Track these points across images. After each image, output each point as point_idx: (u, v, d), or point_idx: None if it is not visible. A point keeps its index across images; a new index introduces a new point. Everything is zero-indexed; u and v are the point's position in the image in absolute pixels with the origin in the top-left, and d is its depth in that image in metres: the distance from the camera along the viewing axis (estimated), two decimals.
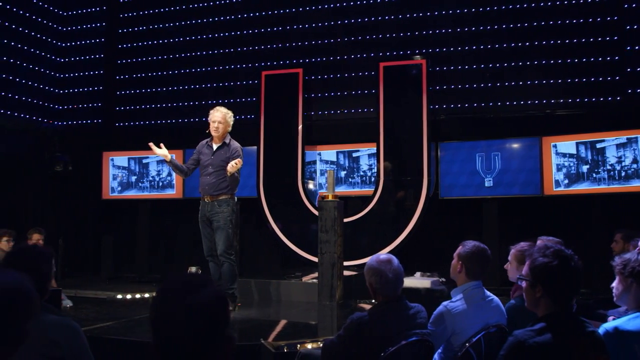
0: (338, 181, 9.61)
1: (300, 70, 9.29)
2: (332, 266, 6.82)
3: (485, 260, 3.83)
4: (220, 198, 6.17)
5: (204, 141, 6.44)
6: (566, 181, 8.24)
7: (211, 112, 6.38)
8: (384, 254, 3.51)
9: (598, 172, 8.07)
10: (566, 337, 2.62)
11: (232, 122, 6.41)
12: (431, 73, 8.75)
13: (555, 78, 8.57)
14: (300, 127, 9.13)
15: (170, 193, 10.08)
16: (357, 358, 3.30)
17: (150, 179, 10.17)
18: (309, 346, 4.58)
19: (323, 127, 9.63)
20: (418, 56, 8.84)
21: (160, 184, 10.13)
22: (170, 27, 10.61)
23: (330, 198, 7.01)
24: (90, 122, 10.99)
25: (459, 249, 3.87)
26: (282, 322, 5.78)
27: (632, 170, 7.85)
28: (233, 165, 5.88)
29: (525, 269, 2.84)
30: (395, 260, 3.45)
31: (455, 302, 3.68)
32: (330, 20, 9.66)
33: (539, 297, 2.75)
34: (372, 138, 8.94)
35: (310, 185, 9.39)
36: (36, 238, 7.56)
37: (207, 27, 10.37)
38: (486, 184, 8.64)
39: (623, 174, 7.92)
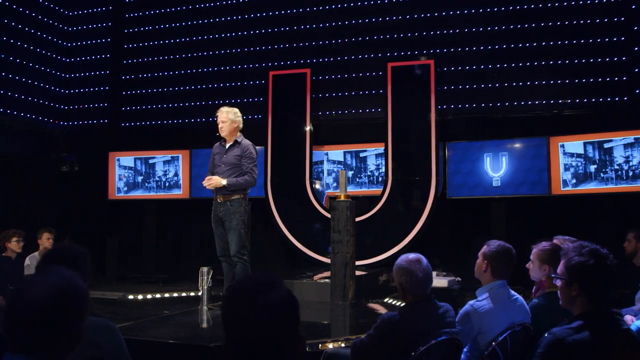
0: None
1: (308, 71, 9.27)
2: (345, 266, 6.84)
3: (510, 260, 3.86)
4: (233, 198, 6.18)
5: (216, 144, 6.47)
6: (574, 181, 8.28)
7: (216, 113, 6.43)
8: (412, 253, 3.53)
9: (606, 172, 8.11)
10: (603, 334, 2.65)
11: (239, 119, 6.43)
12: (439, 73, 8.76)
13: (563, 78, 8.62)
14: (308, 127, 9.13)
15: (176, 193, 10.08)
16: (387, 357, 3.32)
17: (157, 179, 10.17)
18: (330, 346, 4.60)
19: (330, 127, 9.65)
20: (425, 56, 8.86)
21: (167, 184, 10.13)
22: (177, 27, 10.61)
23: (342, 198, 7.03)
24: (96, 122, 10.98)
25: (484, 249, 3.89)
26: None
27: None
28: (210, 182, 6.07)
29: (560, 268, 2.87)
30: (424, 259, 3.47)
31: (481, 301, 3.71)
32: (338, 20, 9.68)
33: (574, 296, 2.79)
34: (380, 138, 8.95)
35: (317, 185, 9.40)
36: (46, 237, 7.57)
37: (214, 27, 10.38)
38: (494, 184, 8.67)
39: (630, 173, 7.97)
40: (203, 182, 6.18)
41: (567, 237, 5.09)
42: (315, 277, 7.56)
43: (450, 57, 9.09)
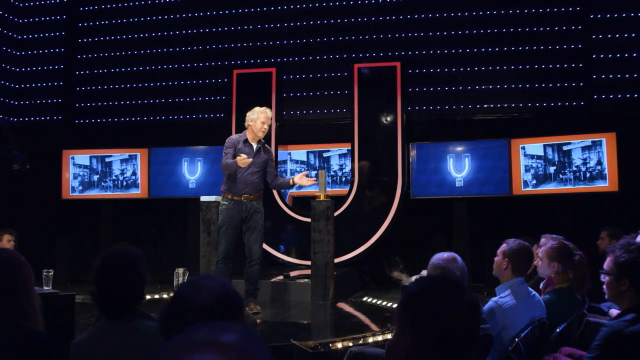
0: None
1: (273, 70, 9.23)
2: (326, 265, 6.87)
3: (530, 257, 4.02)
4: (259, 199, 6.30)
5: (237, 138, 6.31)
6: (534, 181, 8.62)
7: (259, 112, 6.25)
8: (446, 252, 3.60)
9: (564, 173, 8.49)
10: None
11: None
12: (405, 75, 8.89)
13: (524, 83, 8.96)
14: (273, 126, 9.06)
15: (134, 193, 9.81)
16: None
17: (114, 178, 9.86)
18: (340, 345, 4.63)
19: (294, 127, 9.63)
20: (392, 58, 9.03)
21: (124, 183, 9.83)
22: (135, 22, 10.30)
23: (322, 198, 7.06)
24: (49, 119, 10.52)
25: (504, 247, 4.01)
26: (292, 323, 5.79)
27: (597, 171, 8.30)
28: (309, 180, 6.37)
29: (608, 265, 3.01)
30: (459, 258, 3.55)
31: (505, 297, 3.83)
32: (304, 20, 9.68)
33: (624, 290, 2.93)
34: (344, 138, 9.04)
35: None
36: (7, 239, 7.26)
37: (174, 23, 10.12)
38: (457, 184, 8.91)
39: (588, 175, 8.37)
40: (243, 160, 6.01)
41: (554, 236, 5.32)
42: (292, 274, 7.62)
43: (416, 59, 9.26)
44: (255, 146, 6.26)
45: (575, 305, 4.23)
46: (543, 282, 4.52)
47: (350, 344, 4.61)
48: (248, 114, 6.31)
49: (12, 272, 2.72)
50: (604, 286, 3.06)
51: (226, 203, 6.21)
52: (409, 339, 1.62)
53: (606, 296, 3.10)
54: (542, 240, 5.28)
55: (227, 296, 1.70)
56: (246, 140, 6.25)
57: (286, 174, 9.61)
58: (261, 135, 6.25)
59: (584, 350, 3.88)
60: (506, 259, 3.95)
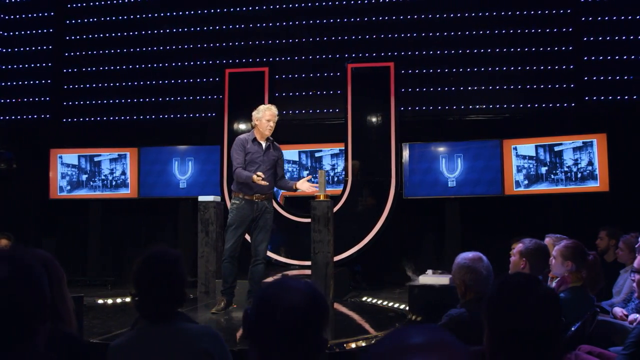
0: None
1: (266, 69, 9.18)
2: (326, 265, 6.85)
3: (547, 256, 4.06)
4: (270, 198, 6.30)
5: (246, 137, 6.19)
6: (526, 182, 8.72)
7: (264, 110, 6.16)
8: (470, 252, 3.60)
9: (556, 174, 8.60)
10: None
11: None
12: (398, 75, 8.92)
13: (516, 84, 9.06)
14: None
15: (124, 192, 9.69)
16: None
17: (103, 177, 9.73)
18: (353, 345, 4.63)
19: (287, 127, 9.56)
20: (386, 58, 9.06)
21: (114, 182, 9.71)
22: (125, 20, 10.17)
23: (322, 198, 7.03)
24: (37, 117, 10.34)
25: (520, 247, 4.04)
26: None
27: (588, 172, 8.43)
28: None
29: (639, 263, 3.07)
30: (484, 257, 3.56)
31: None
32: (297, 19, 9.67)
33: None
34: (336, 138, 9.04)
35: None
36: (4, 244, 7.09)
37: (165, 22, 10.03)
38: (449, 184, 8.97)
39: (579, 175, 8.49)
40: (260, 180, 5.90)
41: (558, 235, 5.38)
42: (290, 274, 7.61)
43: (409, 60, 9.31)
44: (264, 144, 6.19)
45: (589, 303, 4.28)
46: (556, 281, 4.56)
47: (364, 344, 4.63)
48: (253, 113, 6.24)
49: (46, 273, 2.66)
50: (634, 284, 3.11)
51: (237, 202, 6.13)
52: (487, 337, 1.64)
53: (636, 294, 3.15)
54: (547, 240, 5.32)
55: (314, 297, 1.69)
56: (254, 139, 6.18)
57: None
58: (268, 133, 6.18)
59: (601, 348, 3.94)
60: (524, 259, 3.98)
